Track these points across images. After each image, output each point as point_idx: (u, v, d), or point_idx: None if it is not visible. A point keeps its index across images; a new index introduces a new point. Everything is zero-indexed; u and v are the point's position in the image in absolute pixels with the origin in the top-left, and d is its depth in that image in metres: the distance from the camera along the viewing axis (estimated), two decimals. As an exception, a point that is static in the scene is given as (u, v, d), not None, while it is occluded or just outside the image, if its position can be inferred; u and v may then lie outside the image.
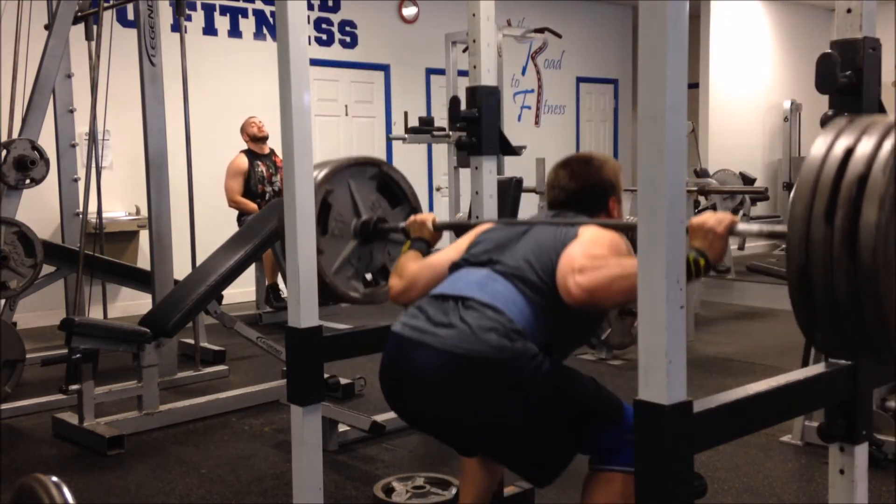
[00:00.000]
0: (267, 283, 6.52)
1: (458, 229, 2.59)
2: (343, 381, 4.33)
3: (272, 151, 6.49)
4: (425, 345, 1.92)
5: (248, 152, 6.46)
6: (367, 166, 2.74)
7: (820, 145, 1.42)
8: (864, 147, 1.36)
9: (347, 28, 8.24)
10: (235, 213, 6.43)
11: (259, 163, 6.42)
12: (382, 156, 8.50)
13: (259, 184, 6.38)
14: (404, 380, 1.99)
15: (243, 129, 6.53)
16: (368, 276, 2.73)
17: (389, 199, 2.78)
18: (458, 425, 1.99)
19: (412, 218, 2.51)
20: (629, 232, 2.03)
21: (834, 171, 1.36)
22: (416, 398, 1.99)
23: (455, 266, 2.14)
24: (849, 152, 1.36)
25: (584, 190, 2.22)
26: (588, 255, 1.90)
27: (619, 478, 1.99)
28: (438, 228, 2.46)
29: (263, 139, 6.48)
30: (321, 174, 2.56)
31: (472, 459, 2.40)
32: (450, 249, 2.26)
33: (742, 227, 1.77)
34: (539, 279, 1.96)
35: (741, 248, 9.18)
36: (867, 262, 1.30)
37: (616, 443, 1.98)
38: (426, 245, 2.43)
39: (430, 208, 8.85)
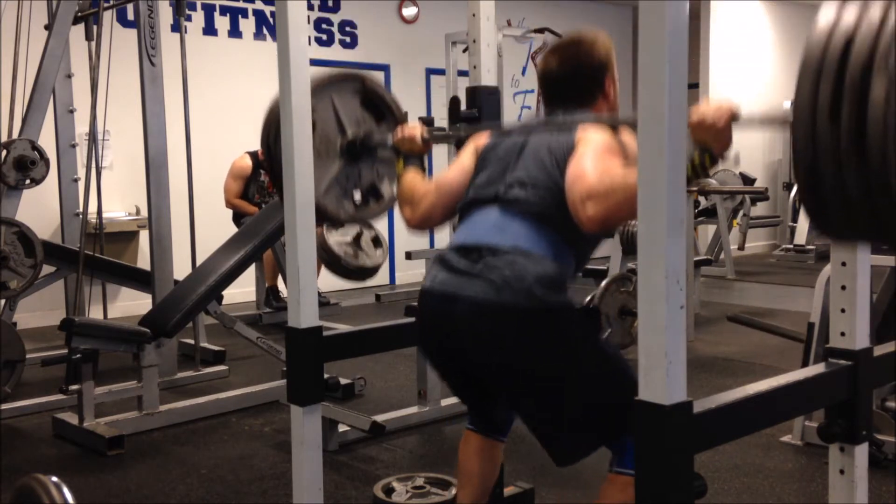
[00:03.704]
0: (267, 284, 6.51)
1: (448, 141, 2.53)
2: (343, 381, 4.33)
3: None
4: (461, 297, 1.92)
5: (254, 156, 6.41)
6: (349, 81, 2.64)
7: (819, 32, 1.35)
8: (866, 31, 1.30)
9: (347, 28, 8.24)
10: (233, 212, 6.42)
11: (262, 171, 6.38)
12: (382, 156, 8.49)
13: (257, 192, 6.36)
14: (442, 330, 1.99)
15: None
16: (357, 196, 2.65)
17: (374, 113, 2.69)
18: (497, 377, 1.98)
19: (399, 132, 2.43)
20: (629, 125, 1.97)
21: (836, 64, 1.31)
22: (455, 347, 1.99)
23: (466, 205, 2.11)
24: (849, 41, 1.30)
25: (577, 75, 2.15)
26: (594, 169, 1.86)
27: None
28: (428, 141, 2.41)
29: None
30: None
31: (470, 454, 2.36)
32: (456, 170, 2.23)
33: (744, 115, 1.68)
34: (549, 205, 1.95)
35: (741, 248, 9.18)
36: (877, 164, 1.26)
37: None
38: (420, 160, 2.40)
39: (430, 208, 8.85)
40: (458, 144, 2.82)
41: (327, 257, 3.83)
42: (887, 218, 1.30)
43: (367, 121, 2.67)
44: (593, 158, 1.90)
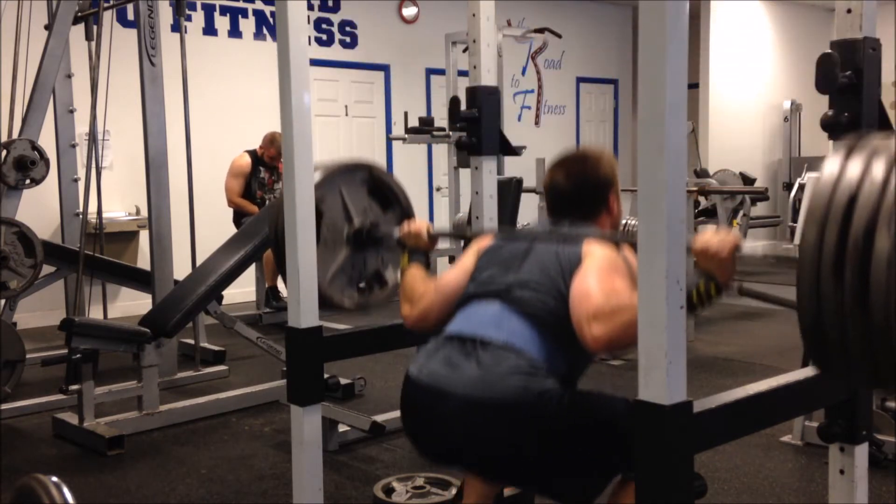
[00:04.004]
0: (267, 285, 6.51)
1: (454, 237, 2.57)
2: (343, 381, 4.33)
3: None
4: (447, 393, 1.91)
5: (254, 154, 6.41)
6: (357, 170, 2.71)
7: (823, 191, 1.37)
8: (869, 192, 1.33)
9: (347, 28, 8.24)
10: (234, 211, 6.42)
11: (262, 168, 6.39)
12: (383, 156, 8.50)
13: (258, 189, 6.36)
14: (427, 426, 1.99)
15: (266, 144, 6.32)
16: (362, 284, 2.71)
17: (381, 202, 2.76)
18: (490, 465, 1.98)
19: (406, 227, 2.46)
20: (630, 246, 2.00)
21: (839, 223, 1.34)
22: (443, 445, 1.99)
23: (465, 298, 2.12)
24: (852, 199, 1.33)
25: (582, 190, 2.19)
26: (601, 290, 1.87)
27: None
28: (434, 238, 2.44)
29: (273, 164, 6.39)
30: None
31: None
32: (457, 270, 2.24)
33: (746, 248, 1.72)
34: (550, 312, 1.95)
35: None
36: (879, 319, 1.29)
37: None
38: (424, 256, 2.41)
39: (431, 208, 8.85)
40: (459, 147, 2.83)
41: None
42: (887, 371, 1.34)
43: (373, 209, 2.73)
44: (600, 277, 1.91)
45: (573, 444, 1.89)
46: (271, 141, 6.28)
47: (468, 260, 2.23)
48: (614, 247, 2.01)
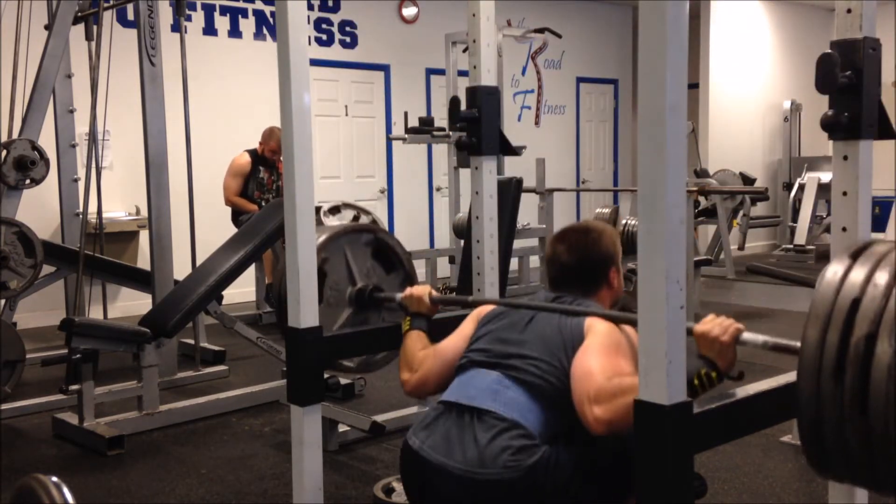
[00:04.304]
0: (267, 282, 6.51)
1: (455, 304, 2.59)
2: (343, 381, 4.33)
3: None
4: (444, 470, 1.94)
5: (254, 154, 6.41)
6: (362, 233, 2.78)
7: (826, 292, 1.39)
8: (872, 298, 1.35)
9: (347, 28, 8.24)
10: (231, 211, 6.42)
11: (262, 168, 6.39)
12: (383, 156, 8.50)
13: (257, 189, 6.36)
14: (428, 500, 2.02)
15: (265, 138, 6.33)
16: None
17: (384, 264, 2.81)
18: None
19: (408, 291, 2.48)
20: (630, 323, 2.00)
21: (841, 326, 1.35)
22: None
23: (464, 365, 2.13)
24: (855, 303, 1.35)
25: (583, 264, 2.21)
26: (602, 371, 1.87)
27: None
28: (435, 302, 2.45)
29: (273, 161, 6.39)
30: (318, 241, 2.57)
31: None
32: (457, 337, 2.26)
33: (748, 336, 1.73)
34: (551, 384, 1.96)
35: (741, 248, 9.17)
36: (879, 425, 1.30)
37: None
38: (426, 321, 2.43)
39: (431, 208, 8.85)
40: (459, 147, 2.83)
41: None
42: (886, 473, 1.34)
43: (376, 271, 2.78)
44: (602, 355, 1.92)
45: (575, 496, 1.91)
46: (270, 134, 6.29)
47: (468, 327, 2.25)
48: (615, 324, 2.02)
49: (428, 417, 2.07)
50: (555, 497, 1.90)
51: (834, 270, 1.40)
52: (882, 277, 1.35)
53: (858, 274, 1.38)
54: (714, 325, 1.72)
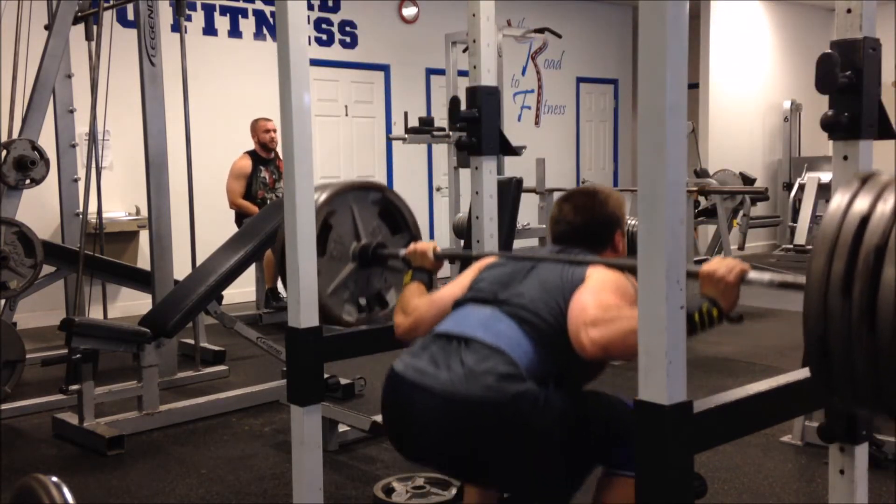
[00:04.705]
0: (266, 286, 6.51)
1: (460, 259, 2.59)
2: (343, 381, 4.33)
3: (276, 155, 6.47)
4: (425, 388, 1.91)
5: (254, 154, 6.43)
6: (370, 191, 2.75)
7: (834, 211, 1.39)
8: (881, 213, 1.35)
9: (347, 28, 8.24)
10: (235, 213, 6.43)
11: (262, 168, 6.39)
12: (382, 156, 8.50)
13: (259, 189, 6.36)
14: (406, 422, 1.98)
15: (254, 129, 6.43)
16: (363, 302, 2.73)
17: (390, 225, 2.79)
18: (464, 464, 1.98)
19: (412, 246, 2.48)
20: (632, 271, 2.00)
21: (850, 241, 1.35)
22: (419, 441, 1.99)
23: (459, 302, 2.12)
24: (864, 220, 1.34)
25: (589, 224, 2.20)
26: (599, 304, 1.87)
27: (633, 482, 1.97)
28: (440, 258, 2.45)
29: (271, 149, 6.43)
30: (324, 195, 2.56)
31: None
32: (454, 285, 2.25)
33: (753, 275, 1.73)
34: (545, 322, 1.95)
35: (741, 248, 9.17)
36: (887, 336, 1.29)
37: (629, 449, 1.96)
38: (428, 275, 2.42)
39: (431, 208, 8.85)
40: (459, 147, 2.83)
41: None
42: (891, 393, 1.34)
43: (382, 231, 2.76)
44: (601, 293, 1.92)
45: (546, 445, 1.88)
46: (254, 125, 6.43)
47: (467, 276, 2.24)
48: (620, 272, 2.02)
49: (415, 345, 2.05)
50: (536, 437, 1.87)
51: (841, 194, 1.40)
52: (891, 197, 1.35)
53: (866, 196, 1.38)
54: (720, 265, 1.73)
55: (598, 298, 1.90)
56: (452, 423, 1.88)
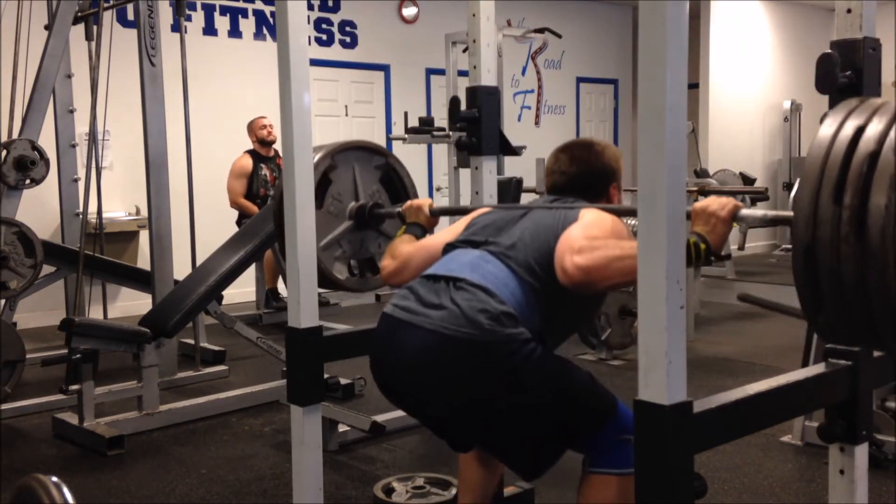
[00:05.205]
0: (267, 287, 6.51)
1: (455, 214, 2.57)
2: (343, 381, 4.33)
3: (276, 154, 6.48)
4: (414, 325, 1.90)
5: (253, 153, 6.44)
6: (374, 154, 2.74)
7: (830, 124, 1.39)
8: (876, 126, 1.34)
9: (347, 28, 8.24)
10: (235, 213, 6.43)
11: (263, 165, 6.40)
12: (382, 156, 8.49)
13: (261, 187, 6.37)
14: (393, 361, 1.97)
15: (251, 129, 6.47)
16: (354, 262, 2.71)
17: (391, 192, 2.77)
18: (447, 408, 1.96)
19: (409, 202, 2.50)
20: (631, 216, 2.01)
21: (844, 149, 1.34)
22: (405, 379, 1.97)
23: (449, 247, 2.11)
24: (859, 131, 1.34)
25: (584, 175, 2.18)
26: (588, 236, 1.87)
27: (614, 481, 1.95)
28: (435, 214, 2.45)
29: (270, 143, 6.45)
30: (327, 150, 2.57)
31: (469, 461, 2.37)
32: (445, 232, 2.24)
33: (746, 211, 1.73)
34: (534, 262, 1.93)
35: (741, 248, 9.18)
36: (875, 242, 1.27)
37: (609, 443, 1.95)
38: (421, 230, 2.41)
39: (430, 208, 8.85)
40: (459, 147, 2.83)
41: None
42: (880, 302, 1.32)
43: (382, 196, 2.75)
44: (589, 228, 1.92)
45: (532, 400, 1.87)
46: (251, 125, 6.46)
47: (460, 224, 2.22)
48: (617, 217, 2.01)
49: (404, 290, 2.04)
50: (524, 387, 1.85)
51: (837, 112, 1.40)
52: (886, 114, 1.35)
53: (863, 112, 1.39)
54: (713, 201, 1.74)
55: (587, 232, 1.89)
56: (441, 360, 1.86)
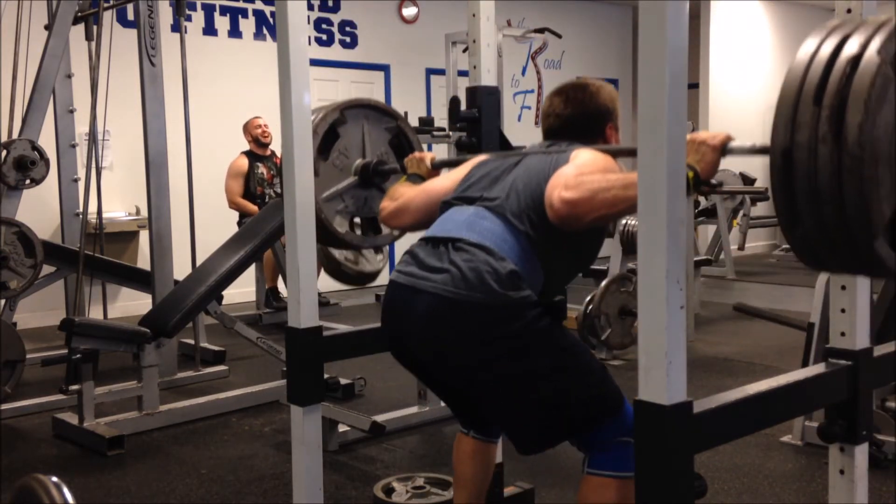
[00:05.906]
0: (267, 286, 6.52)
1: (457, 167, 2.57)
2: (343, 381, 4.33)
3: (273, 153, 6.49)
4: (419, 290, 1.91)
5: (249, 153, 6.46)
6: (385, 115, 2.73)
7: (815, 36, 1.41)
8: (861, 34, 1.35)
9: (347, 28, 8.24)
10: (235, 213, 6.43)
11: (259, 164, 6.42)
12: (382, 156, 8.49)
13: (258, 186, 6.39)
14: (402, 326, 1.99)
15: (246, 129, 6.50)
16: (357, 220, 2.70)
17: (398, 156, 2.75)
18: (452, 371, 1.97)
19: (411, 154, 2.51)
20: (628, 156, 1.97)
21: (828, 55, 1.35)
22: (414, 343, 1.99)
23: (445, 205, 2.11)
24: (844, 38, 1.34)
25: (579, 116, 2.16)
26: (578, 173, 1.86)
27: (613, 483, 1.93)
28: (436, 166, 2.45)
29: (266, 144, 6.47)
30: (337, 104, 2.58)
31: (464, 458, 2.36)
32: (445, 178, 2.24)
33: (735, 143, 1.73)
34: (529, 208, 1.93)
35: (741, 248, 9.18)
36: (853, 141, 1.27)
37: (609, 441, 1.93)
38: (421, 181, 2.41)
39: (430, 208, 8.85)
40: (459, 147, 2.83)
41: (328, 263, 3.85)
42: (854, 208, 1.30)
43: (389, 158, 2.73)
44: (580, 166, 1.91)
45: (537, 366, 1.87)
46: (246, 125, 6.50)
47: (460, 172, 2.22)
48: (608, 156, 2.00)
49: (407, 256, 2.05)
50: (531, 354, 1.86)
51: (822, 29, 1.42)
52: (871, 24, 1.37)
53: (849, 25, 1.40)
54: (705, 132, 1.73)
55: (578, 169, 1.89)
56: (444, 324, 1.88)
